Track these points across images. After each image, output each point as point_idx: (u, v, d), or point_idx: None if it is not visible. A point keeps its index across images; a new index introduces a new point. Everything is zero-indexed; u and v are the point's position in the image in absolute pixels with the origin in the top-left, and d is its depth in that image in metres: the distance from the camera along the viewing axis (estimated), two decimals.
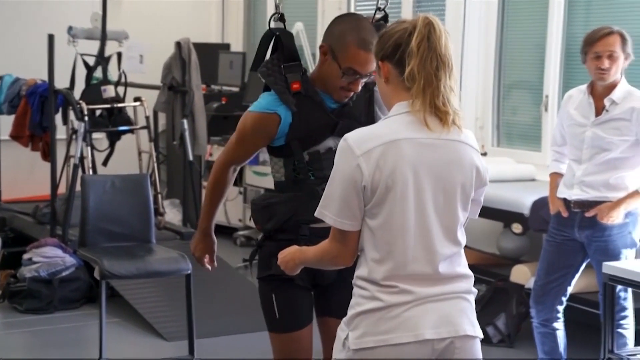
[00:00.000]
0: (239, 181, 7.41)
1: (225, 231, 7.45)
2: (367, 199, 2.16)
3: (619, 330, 4.03)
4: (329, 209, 2.19)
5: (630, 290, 4.10)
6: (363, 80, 2.75)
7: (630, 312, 4.12)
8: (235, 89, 7.67)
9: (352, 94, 2.78)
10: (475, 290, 2.27)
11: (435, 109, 2.16)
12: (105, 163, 6.49)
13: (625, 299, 4.10)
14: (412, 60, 2.14)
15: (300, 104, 2.76)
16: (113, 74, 6.49)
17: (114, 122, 6.29)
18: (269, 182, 7.10)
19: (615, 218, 3.91)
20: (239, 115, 8.60)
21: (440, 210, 2.19)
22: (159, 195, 6.40)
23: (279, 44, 2.82)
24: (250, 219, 3.05)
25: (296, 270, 2.39)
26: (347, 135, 2.20)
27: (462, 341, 2.19)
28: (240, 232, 7.35)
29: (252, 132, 2.81)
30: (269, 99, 2.79)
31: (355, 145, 2.16)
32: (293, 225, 2.77)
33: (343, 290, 2.74)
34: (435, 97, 2.15)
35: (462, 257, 2.25)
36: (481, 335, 2.25)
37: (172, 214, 7.09)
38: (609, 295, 3.83)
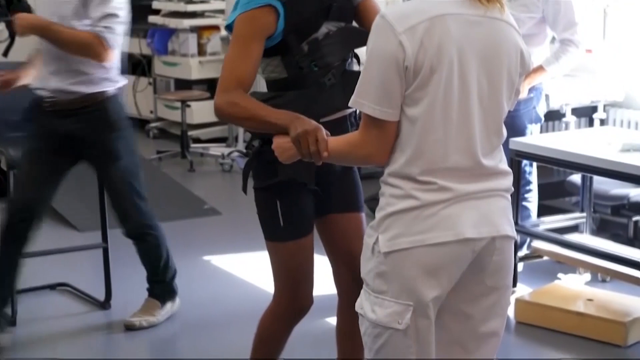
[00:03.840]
0: (147, 72, 7.27)
1: (138, 124, 7.34)
2: (409, 82, 1.93)
3: (524, 203, 4.18)
4: (367, 97, 1.95)
5: (535, 165, 4.24)
6: None
7: (534, 186, 4.27)
8: None
9: None
10: (512, 189, 2.09)
11: None
12: (5, 54, 6.22)
13: (530, 173, 4.24)
14: None
15: None
16: None
17: (12, 10, 6.02)
18: (179, 72, 7.08)
19: (520, 93, 3.99)
20: (152, 7, 8.25)
21: (485, 96, 1.97)
22: None
23: None
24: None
25: (293, 159, 2.18)
26: (384, 12, 1.96)
27: (501, 242, 2.03)
28: (153, 125, 7.25)
29: (252, 34, 2.40)
30: None
31: (396, 22, 1.92)
32: None
33: (345, 183, 2.61)
34: None
35: (503, 153, 2.07)
36: (516, 237, 2.13)
37: None
38: (515, 170, 3.93)
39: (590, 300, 3.75)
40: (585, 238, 4.16)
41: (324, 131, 2.14)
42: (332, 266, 2.70)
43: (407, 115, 1.96)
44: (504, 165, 2.06)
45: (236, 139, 6.71)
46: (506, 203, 2.05)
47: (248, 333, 2.75)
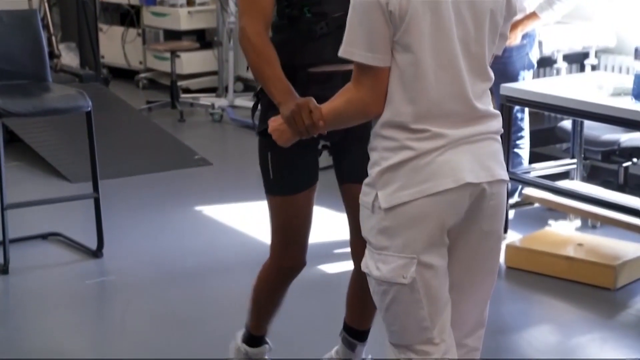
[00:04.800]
0: (136, 23, 7.19)
1: (127, 74, 7.29)
2: (396, 27, 1.90)
3: (515, 150, 4.18)
4: (356, 45, 1.91)
5: (527, 111, 4.23)
6: None
7: (526, 133, 4.26)
8: None
9: None
10: (502, 130, 2.06)
11: None
12: None
13: (522, 119, 4.23)
14: None
15: None
16: None
17: None
18: (168, 23, 7.02)
19: (513, 40, 3.98)
20: None
21: (471, 40, 1.95)
22: (53, 37, 6.16)
23: None
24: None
25: (292, 141, 2.12)
26: None
27: (497, 186, 2.01)
28: (142, 75, 7.20)
29: None
30: None
31: None
32: (289, 71, 2.34)
33: (362, 151, 2.41)
34: None
35: (489, 95, 2.03)
36: (508, 180, 2.10)
37: (69, 58, 6.87)
38: (506, 116, 3.92)
39: (580, 245, 3.77)
40: (575, 184, 4.17)
41: (314, 100, 2.06)
42: (350, 235, 2.61)
43: (397, 62, 1.93)
44: (492, 107, 2.04)
45: (226, 89, 6.67)
46: (498, 146, 2.04)
47: (240, 282, 2.76)
